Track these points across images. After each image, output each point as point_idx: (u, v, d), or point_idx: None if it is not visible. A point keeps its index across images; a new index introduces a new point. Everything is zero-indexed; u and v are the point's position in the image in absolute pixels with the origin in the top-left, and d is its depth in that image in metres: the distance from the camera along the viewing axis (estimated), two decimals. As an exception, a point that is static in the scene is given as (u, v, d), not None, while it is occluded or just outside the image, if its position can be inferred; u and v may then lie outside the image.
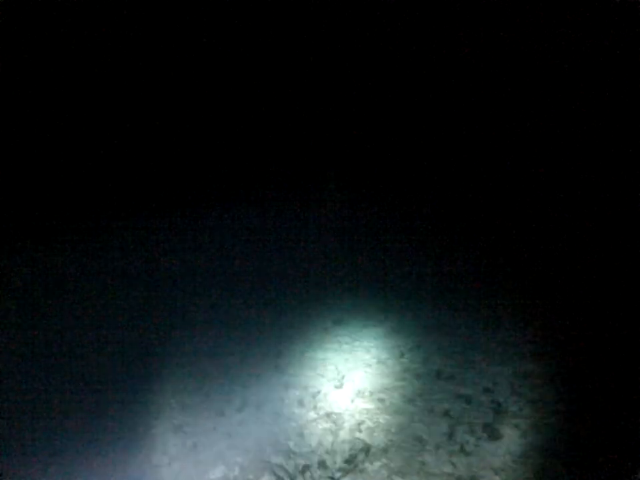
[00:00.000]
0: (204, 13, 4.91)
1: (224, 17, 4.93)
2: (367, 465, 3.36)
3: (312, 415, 3.93)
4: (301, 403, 4.07)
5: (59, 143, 5.25)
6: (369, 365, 4.60)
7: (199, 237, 5.98)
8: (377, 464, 3.35)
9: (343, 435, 3.68)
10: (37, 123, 4.98)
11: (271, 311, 5.71)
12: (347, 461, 3.43)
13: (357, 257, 5.64)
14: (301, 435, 3.69)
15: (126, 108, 5.25)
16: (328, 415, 3.92)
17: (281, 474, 3.28)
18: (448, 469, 3.22)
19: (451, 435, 3.55)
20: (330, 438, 3.65)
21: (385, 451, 3.47)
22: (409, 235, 5.91)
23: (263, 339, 5.15)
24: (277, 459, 3.42)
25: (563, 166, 4.65)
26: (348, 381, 4.37)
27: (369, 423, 3.78)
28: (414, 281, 5.51)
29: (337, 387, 4.28)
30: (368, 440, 3.60)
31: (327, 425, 3.79)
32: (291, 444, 3.60)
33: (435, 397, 4.05)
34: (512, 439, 3.47)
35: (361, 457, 3.45)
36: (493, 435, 3.52)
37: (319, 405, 4.05)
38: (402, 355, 4.71)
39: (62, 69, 4.87)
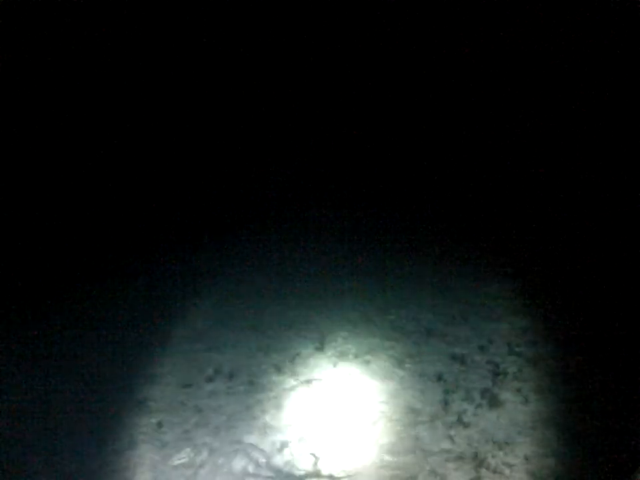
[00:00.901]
0: (204, 14, 4.59)
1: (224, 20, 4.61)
2: (352, 439, 3.00)
3: (290, 382, 3.54)
4: (278, 369, 3.67)
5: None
6: (353, 323, 4.20)
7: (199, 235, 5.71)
8: (365, 439, 2.99)
9: (325, 404, 3.30)
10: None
11: (247, 266, 5.26)
12: (330, 434, 3.06)
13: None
14: (279, 407, 3.30)
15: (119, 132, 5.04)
16: (308, 381, 3.53)
17: (256, 455, 2.90)
18: (446, 444, 2.86)
19: (446, 403, 3.18)
20: (311, 409, 3.27)
21: (373, 423, 3.10)
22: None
23: (238, 296, 4.72)
24: (251, 438, 3.03)
25: (563, 166, 4.50)
26: (330, 341, 3.97)
27: (354, 390, 3.40)
28: (401, 232, 5.13)
29: (317, 349, 3.89)
30: (354, 410, 3.23)
31: (308, 394, 3.40)
32: (267, 417, 3.21)
33: (426, 359, 3.67)
34: (514, 406, 3.12)
35: (345, 429, 3.08)
36: (493, 401, 3.16)
37: (298, 370, 3.66)
38: (388, 311, 4.32)
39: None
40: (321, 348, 3.89)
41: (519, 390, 3.24)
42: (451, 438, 2.91)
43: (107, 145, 5.19)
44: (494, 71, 4.56)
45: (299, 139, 5.40)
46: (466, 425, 2.99)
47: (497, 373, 3.42)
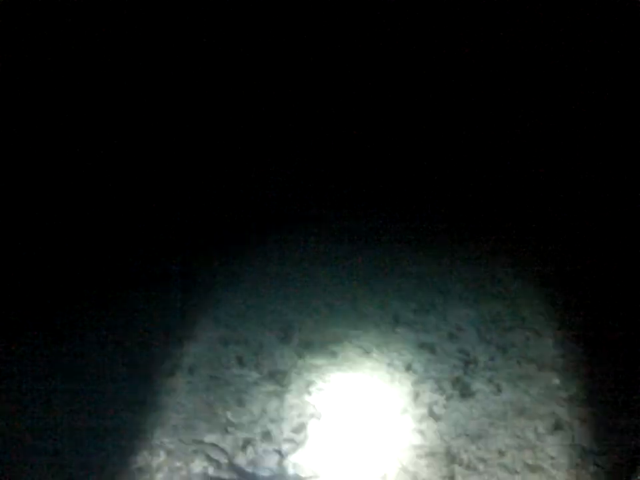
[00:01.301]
0: (204, 14, 4.51)
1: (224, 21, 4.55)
2: (319, 436, 2.86)
3: (254, 375, 3.37)
4: (240, 362, 3.49)
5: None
6: (318, 311, 4.05)
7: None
8: (331, 435, 2.85)
9: (290, 398, 3.15)
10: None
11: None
12: (296, 430, 2.92)
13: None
14: (241, 402, 3.13)
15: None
16: (272, 374, 3.37)
17: (217, 455, 2.73)
18: (416, 439, 2.74)
19: (416, 395, 3.07)
20: (275, 403, 3.12)
21: (340, 418, 2.96)
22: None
23: (197, 286, 4.52)
24: (212, 437, 2.85)
25: (563, 166, 4.54)
26: (294, 331, 3.81)
27: (320, 383, 3.26)
28: (366, 215, 5.02)
29: (281, 340, 3.72)
30: (319, 404, 3.09)
31: (271, 388, 3.24)
32: (229, 414, 3.04)
33: (394, 347, 3.55)
34: (486, 396, 3.03)
35: (312, 425, 2.94)
36: (465, 392, 3.06)
37: (261, 362, 3.49)
38: (355, 299, 4.18)
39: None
40: (285, 338, 3.73)
41: (491, 380, 3.16)
42: (421, 432, 2.79)
43: (106, 145, 5.07)
44: (494, 70, 4.57)
45: (298, 138, 5.36)
46: (437, 418, 2.88)
47: (468, 362, 3.32)
